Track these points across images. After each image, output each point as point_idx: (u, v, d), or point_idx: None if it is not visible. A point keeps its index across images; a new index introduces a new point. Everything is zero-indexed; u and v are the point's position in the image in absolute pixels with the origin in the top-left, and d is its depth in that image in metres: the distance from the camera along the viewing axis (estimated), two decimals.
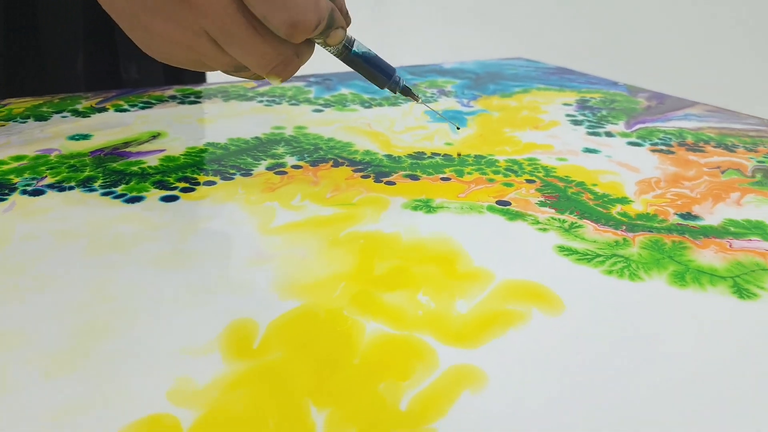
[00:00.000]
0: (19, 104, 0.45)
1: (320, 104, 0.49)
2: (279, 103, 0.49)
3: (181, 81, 0.57)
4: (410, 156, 0.39)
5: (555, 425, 0.19)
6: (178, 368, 0.20)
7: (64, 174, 0.34)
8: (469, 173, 0.37)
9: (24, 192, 0.32)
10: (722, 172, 0.38)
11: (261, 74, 0.30)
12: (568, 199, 0.34)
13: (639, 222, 0.31)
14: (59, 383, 0.19)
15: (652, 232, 0.30)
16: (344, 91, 0.54)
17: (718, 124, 0.48)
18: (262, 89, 0.53)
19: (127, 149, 0.38)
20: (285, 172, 0.36)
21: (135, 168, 0.35)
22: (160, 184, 0.33)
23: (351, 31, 0.31)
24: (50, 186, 0.33)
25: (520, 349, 0.22)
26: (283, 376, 0.20)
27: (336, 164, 0.37)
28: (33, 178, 0.33)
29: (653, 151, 0.42)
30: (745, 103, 0.67)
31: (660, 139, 0.44)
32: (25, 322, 0.22)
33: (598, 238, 0.29)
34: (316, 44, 0.30)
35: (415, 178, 0.36)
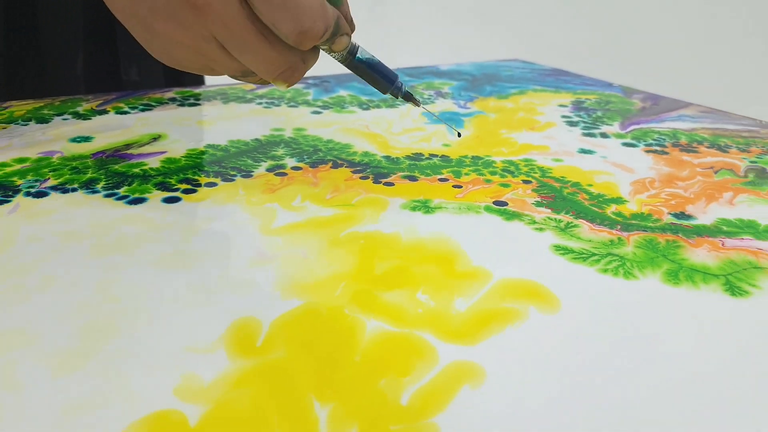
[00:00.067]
0: (20, 107, 0.46)
1: (319, 106, 0.50)
2: (278, 105, 0.50)
3: (181, 83, 0.58)
4: (408, 157, 0.40)
5: (552, 421, 0.19)
6: (184, 366, 0.21)
7: (67, 176, 0.35)
8: (466, 174, 0.37)
9: (28, 194, 0.32)
10: (715, 173, 0.39)
11: (268, 80, 0.30)
12: (563, 200, 0.34)
13: (633, 221, 0.32)
14: (67, 381, 0.20)
15: (646, 231, 0.31)
16: (342, 93, 0.54)
17: (712, 124, 0.49)
18: (260, 91, 0.53)
19: (129, 151, 0.39)
20: (285, 174, 0.36)
21: (137, 170, 0.36)
22: (162, 186, 0.34)
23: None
24: (53, 188, 0.33)
25: (518, 346, 0.22)
26: (287, 373, 0.21)
27: (335, 165, 0.38)
28: (36, 180, 0.34)
29: (647, 151, 0.42)
30: (738, 104, 0.68)
31: (654, 139, 0.45)
32: (31, 321, 0.23)
33: (594, 237, 0.30)
34: (320, 50, 0.31)
35: (413, 179, 0.36)
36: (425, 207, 0.33)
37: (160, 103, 0.49)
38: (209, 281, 0.25)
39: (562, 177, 0.37)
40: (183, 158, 0.38)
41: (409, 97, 0.34)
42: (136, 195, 0.33)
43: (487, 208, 0.33)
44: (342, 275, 0.26)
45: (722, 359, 0.22)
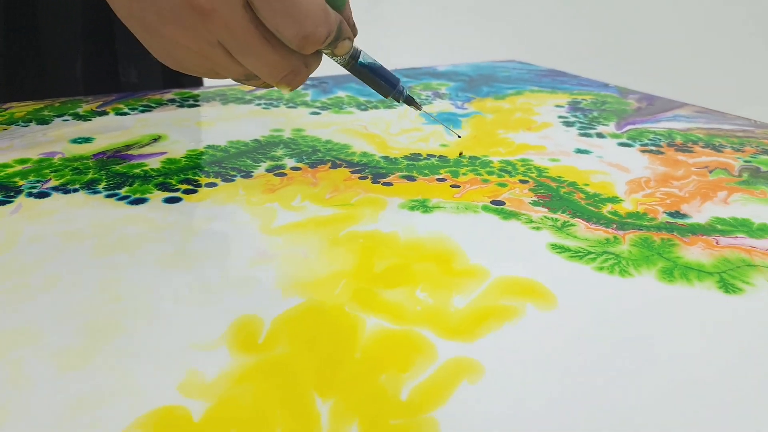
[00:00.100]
0: (20, 108, 0.46)
1: (317, 107, 0.50)
2: (277, 106, 0.50)
3: (180, 84, 0.58)
4: (406, 157, 0.40)
5: (550, 416, 0.20)
6: (187, 363, 0.21)
7: (68, 177, 0.35)
8: (464, 174, 0.37)
9: (30, 194, 0.33)
10: (710, 172, 0.39)
11: (271, 83, 0.31)
12: (560, 199, 0.35)
13: (629, 220, 0.32)
14: (72, 378, 0.20)
15: (641, 230, 0.31)
16: (340, 93, 0.54)
17: (706, 124, 0.49)
18: (259, 93, 0.53)
19: (129, 152, 0.39)
20: (284, 174, 0.36)
21: (137, 170, 0.36)
22: (163, 186, 0.34)
23: None
24: (55, 188, 0.33)
25: (515, 343, 0.23)
26: (289, 369, 0.21)
27: (334, 166, 0.38)
28: (38, 181, 0.34)
29: (643, 151, 0.43)
30: (733, 104, 0.69)
31: (650, 139, 0.45)
32: (36, 320, 0.23)
33: (590, 236, 0.30)
34: (323, 54, 0.31)
35: (411, 179, 0.37)
36: (423, 207, 0.33)
37: (160, 104, 0.49)
38: (211, 280, 0.26)
39: (559, 177, 0.38)
40: (183, 159, 0.38)
41: (410, 101, 0.34)
42: (137, 195, 0.33)
43: (485, 208, 0.33)
44: (342, 274, 0.26)
45: (717, 356, 0.23)
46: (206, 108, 0.49)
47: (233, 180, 0.35)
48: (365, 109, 0.50)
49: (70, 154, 0.38)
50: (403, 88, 0.34)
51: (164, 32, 0.29)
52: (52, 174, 0.35)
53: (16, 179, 0.34)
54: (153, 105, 0.49)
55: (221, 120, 0.46)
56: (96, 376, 0.20)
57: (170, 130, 0.43)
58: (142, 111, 0.47)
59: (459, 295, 0.25)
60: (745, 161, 0.41)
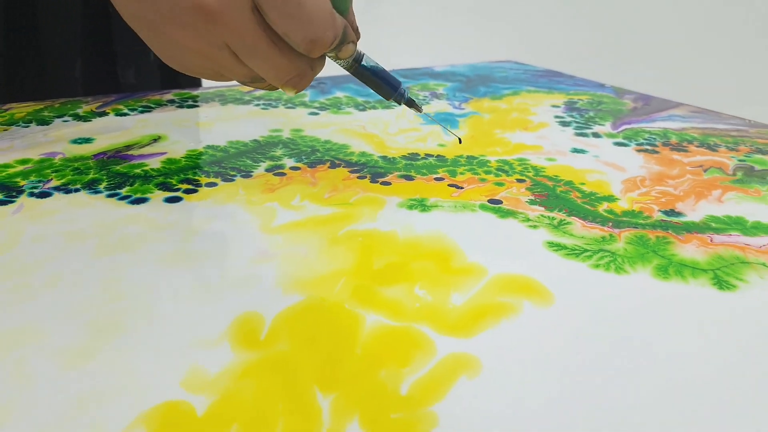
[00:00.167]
0: (20, 108, 0.46)
1: (315, 107, 0.51)
2: (275, 107, 0.50)
3: (178, 85, 0.58)
4: (404, 157, 0.40)
5: (546, 410, 0.20)
6: (190, 359, 0.21)
7: (69, 177, 0.35)
8: (461, 173, 0.38)
9: (31, 194, 0.33)
10: (705, 171, 0.40)
11: (277, 86, 0.31)
12: (557, 198, 0.35)
13: (624, 219, 0.33)
14: (76, 375, 0.20)
15: (637, 228, 0.32)
16: (339, 94, 0.55)
17: (701, 124, 0.49)
18: (258, 93, 0.54)
19: (129, 152, 0.39)
20: (284, 174, 0.37)
21: (138, 170, 0.36)
22: (163, 186, 0.34)
23: None
24: (56, 188, 0.34)
25: (513, 338, 0.23)
26: (290, 365, 0.21)
27: (333, 166, 0.38)
28: (39, 181, 0.34)
29: (639, 150, 0.43)
30: (727, 104, 0.69)
31: (645, 139, 0.46)
32: (39, 319, 0.23)
33: (586, 234, 0.31)
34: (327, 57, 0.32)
35: (409, 178, 0.37)
36: (422, 205, 0.33)
37: (159, 105, 0.49)
38: (212, 279, 0.26)
39: (555, 176, 0.38)
40: (183, 159, 0.38)
41: (411, 104, 0.35)
42: (138, 195, 0.33)
43: (482, 207, 0.33)
44: (342, 272, 0.27)
45: (711, 351, 0.23)
46: (205, 108, 0.50)
47: (233, 180, 0.36)
48: (363, 110, 0.51)
49: (71, 155, 0.38)
50: (405, 90, 0.34)
51: (170, 34, 0.29)
52: (53, 174, 0.35)
53: (18, 179, 0.34)
54: (152, 106, 0.49)
55: (220, 120, 0.46)
56: (99, 374, 0.21)
57: (170, 131, 0.43)
58: (142, 112, 0.47)
59: (457, 293, 0.26)
60: (740, 160, 0.42)
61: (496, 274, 0.27)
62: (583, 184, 0.37)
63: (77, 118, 0.45)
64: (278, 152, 0.40)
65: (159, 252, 0.28)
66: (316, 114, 0.49)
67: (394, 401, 0.20)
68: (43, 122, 0.44)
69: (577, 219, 0.32)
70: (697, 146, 0.44)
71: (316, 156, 0.40)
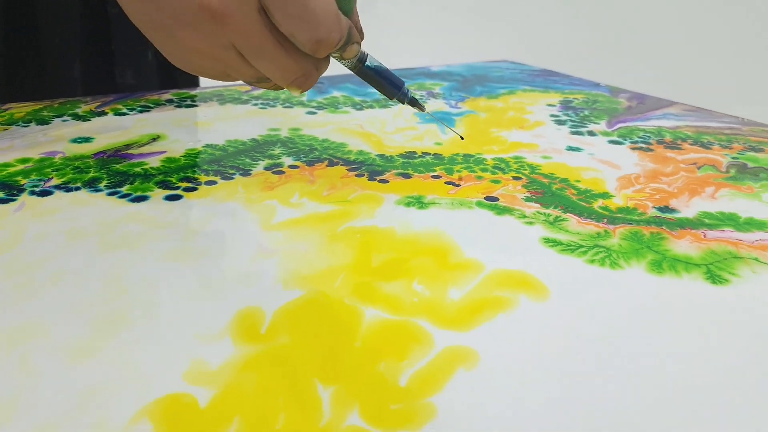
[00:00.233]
0: (20, 108, 0.47)
1: (313, 107, 0.51)
2: (273, 106, 0.51)
3: (176, 85, 0.59)
4: (402, 155, 0.41)
5: (541, 402, 0.20)
6: (193, 353, 0.22)
7: (70, 175, 0.35)
8: (458, 171, 0.38)
9: (32, 193, 0.33)
10: (698, 168, 0.40)
11: (282, 86, 0.31)
12: (552, 195, 0.35)
13: (619, 215, 0.33)
14: (81, 368, 0.21)
15: (631, 224, 0.32)
16: (336, 93, 0.55)
17: (695, 122, 0.50)
18: (256, 92, 0.54)
19: (129, 151, 0.39)
20: (282, 172, 0.37)
21: (138, 169, 0.37)
22: (164, 184, 0.35)
23: None
24: (57, 187, 0.34)
25: (509, 332, 0.24)
26: (290, 358, 0.22)
27: (331, 164, 0.39)
28: (40, 180, 0.35)
29: (633, 148, 0.44)
30: (721, 103, 0.70)
31: (640, 137, 0.46)
32: (44, 315, 0.24)
33: (581, 230, 0.31)
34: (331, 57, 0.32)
35: (407, 176, 0.37)
36: (419, 203, 0.34)
37: (158, 104, 0.50)
38: (213, 275, 0.26)
39: (551, 173, 0.38)
40: (182, 158, 0.39)
41: (414, 103, 0.35)
42: (138, 193, 0.34)
43: (479, 204, 0.34)
44: (341, 267, 0.27)
45: (704, 345, 0.23)
46: (204, 108, 0.50)
47: (232, 178, 0.36)
48: (361, 109, 0.51)
49: (71, 154, 0.39)
50: (408, 90, 0.35)
51: (178, 35, 0.30)
52: (53, 173, 0.36)
53: (19, 178, 0.35)
54: (151, 105, 0.49)
55: (219, 120, 0.47)
56: (104, 367, 0.21)
57: (169, 130, 0.44)
58: (141, 111, 0.48)
59: (454, 288, 0.26)
60: (733, 158, 0.42)
61: (492, 269, 0.27)
62: (578, 181, 0.37)
63: (76, 117, 0.46)
64: (277, 151, 0.41)
65: (160, 249, 0.28)
66: (314, 113, 0.49)
67: (394, 393, 0.20)
68: (43, 122, 0.44)
69: (572, 215, 0.33)
70: (691, 144, 0.45)
71: (315, 154, 0.40)
